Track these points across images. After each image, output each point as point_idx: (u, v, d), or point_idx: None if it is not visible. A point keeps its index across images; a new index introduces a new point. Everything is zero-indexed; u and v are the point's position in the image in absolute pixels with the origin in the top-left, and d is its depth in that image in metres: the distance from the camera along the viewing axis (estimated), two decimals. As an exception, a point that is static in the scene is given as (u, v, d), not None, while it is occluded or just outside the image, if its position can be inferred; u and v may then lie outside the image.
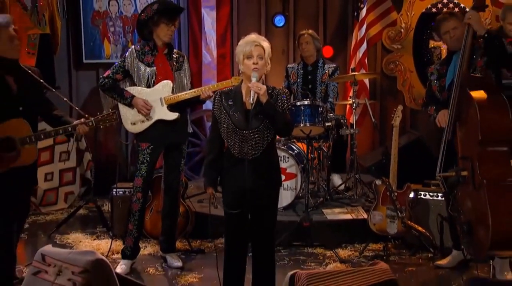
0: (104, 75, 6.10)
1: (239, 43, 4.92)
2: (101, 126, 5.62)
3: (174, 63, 6.08)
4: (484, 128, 5.17)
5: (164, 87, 5.98)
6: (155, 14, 5.92)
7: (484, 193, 5.12)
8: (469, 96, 5.31)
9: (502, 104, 5.28)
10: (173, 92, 5.98)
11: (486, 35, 5.42)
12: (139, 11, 8.42)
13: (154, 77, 5.99)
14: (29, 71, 5.42)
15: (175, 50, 6.19)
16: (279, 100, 4.91)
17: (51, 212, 8.08)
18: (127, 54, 6.07)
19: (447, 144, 5.63)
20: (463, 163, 5.45)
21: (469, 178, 5.34)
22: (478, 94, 5.29)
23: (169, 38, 6.01)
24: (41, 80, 5.50)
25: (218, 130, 4.99)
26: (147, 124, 5.98)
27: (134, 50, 6.05)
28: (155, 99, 5.95)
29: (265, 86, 4.78)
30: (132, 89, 6.00)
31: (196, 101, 6.16)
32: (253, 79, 4.77)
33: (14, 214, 5.46)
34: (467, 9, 8.55)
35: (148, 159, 6.01)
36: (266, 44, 4.89)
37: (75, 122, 5.47)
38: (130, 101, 5.94)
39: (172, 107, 5.97)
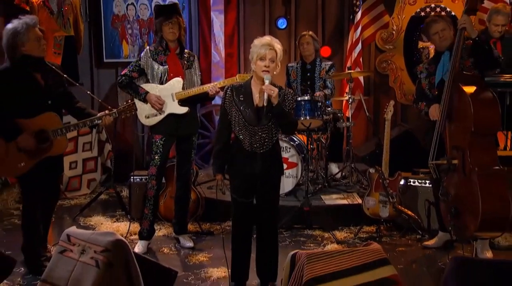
0: (122, 73, 6.12)
1: (254, 43, 4.87)
2: (123, 116, 5.68)
3: (185, 62, 6.09)
4: (477, 121, 5.21)
5: (175, 84, 5.99)
6: (156, 20, 6.01)
7: (475, 180, 5.17)
8: (463, 92, 5.33)
9: (493, 100, 5.33)
10: (183, 88, 6.00)
11: (477, 38, 5.43)
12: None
13: (166, 75, 6.00)
14: (53, 66, 5.47)
15: (186, 50, 6.19)
16: (286, 101, 4.91)
17: (75, 197, 8.12)
18: (142, 54, 6.08)
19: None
20: (452, 152, 5.48)
21: (459, 166, 5.37)
22: (471, 90, 5.32)
23: (172, 36, 5.97)
24: (65, 75, 5.54)
25: (226, 122, 5.00)
26: (159, 117, 6.00)
27: (148, 51, 6.06)
28: (167, 95, 5.97)
29: (277, 89, 4.78)
30: (146, 86, 6.01)
31: (205, 98, 6.16)
32: (266, 82, 4.76)
33: (42, 199, 5.52)
34: (453, 13, 8.62)
35: (161, 149, 6.03)
36: (279, 47, 4.86)
37: (99, 114, 5.52)
38: (144, 97, 5.96)
39: (182, 102, 5.99)
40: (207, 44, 9.28)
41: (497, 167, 5.31)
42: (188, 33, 9.07)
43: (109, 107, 5.61)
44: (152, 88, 5.99)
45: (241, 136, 4.92)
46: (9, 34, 5.21)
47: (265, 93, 4.73)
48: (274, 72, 4.85)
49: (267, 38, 4.87)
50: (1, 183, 7.74)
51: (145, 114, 6.01)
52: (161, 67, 6.00)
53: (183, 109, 5.99)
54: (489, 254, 5.80)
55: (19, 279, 5.37)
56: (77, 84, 5.91)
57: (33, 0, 7.83)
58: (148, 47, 6.13)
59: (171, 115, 5.99)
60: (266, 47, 4.79)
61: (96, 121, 5.52)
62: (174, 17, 5.94)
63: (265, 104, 4.73)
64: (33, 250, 5.49)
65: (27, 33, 5.20)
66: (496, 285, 3.88)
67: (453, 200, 5.45)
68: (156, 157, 6.04)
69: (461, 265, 4.04)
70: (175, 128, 6.03)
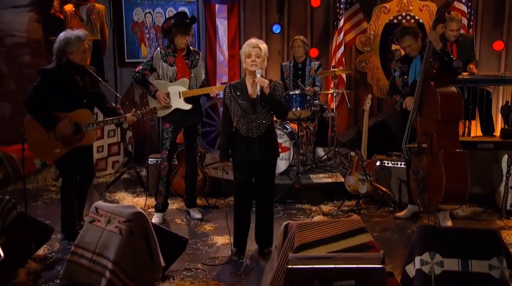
0: (136, 70, 6.10)
1: (242, 46, 4.96)
2: (144, 118, 5.73)
3: (191, 61, 6.05)
4: (443, 111, 5.30)
5: (182, 83, 5.98)
6: (172, 27, 5.91)
7: (440, 160, 5.25)
8: (432, 87, 5.42)
9: (457, 94, 5.42)
10: (189, 87, 6.00)
11: (439, 51, 5.47)
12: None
13: (175, 74, 6.00)
14: (90, 70, 5.51)
15: (192, 49, 6.13)
16: (276, 90, 4.93)
17: (102, 176, 8.12)
18: (154, 55, 6.06)
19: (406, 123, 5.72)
20: (422, 137, 5.55)
21: (427, 149, 5.45)
22: (439, 85, 5.42)
23: (184, 45, 5.96)
24: (99, 78, 5.61)
25: (228, 116, 5.03)
26: (167, 111, 6.01)
27: (159, 52, 6.03)
28: (175, 92, 5.98)
29: (267, 80, 4.81)
30: (158, 83, 6.02)
31: (208, 95, 6.21)
32: (258, 75, 4.78)
33: (78, 179, 5.59)
34: (420, 21, 8.64)
35: (170, 135, 6.05)
36: (262, 45, 4.89)
37: (126, 115, 5.58)
38: (153, 94, 5.97)
39: (188, 99, 6.01)
40: (212, 46, 9.28)
41: (459, 150, 5.38)
42: (196, 37, 9.09)
43: (134, 109, 5.66)
44: (162, 85, 6.00)
45: (239, 125, 4.96)
46: (61, 41, 5.26)
47: (257, 85, 4.77)
48: (262, 67, 4.87)
49: (251, 40, 4.93)
50: (41, 164, 7.79)
51: (156, 107, 6.02)
52: (170, 68, 5.99)
53: (188, 106, 5.99)
54: (449, 223, 5.85)
55: (56, 243, 5.42)
56: (108, 86, 5.96)
57: (66, 10, 7.86)
58: (158, 49, 6.11)
59: (178, 109, 6.01)
60: (249, 46, 4.85)
61: (122, 120, 5.59)
62: (189, 30, 5.96)
63: (258, 94, 4.77)
64: (69, 220, 5.55)
65: (77, 45, 5.26)
66: (453, 247, 3.94)
67: (422, 177, 5.51)
68: (167, 142, 6.06)
69: (426, 232, 4.09)
70: (181, 119, 6.05)
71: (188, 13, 6.43)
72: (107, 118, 5.59)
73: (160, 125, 8.66)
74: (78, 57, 5.30)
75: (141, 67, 6.08)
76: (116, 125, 7.99)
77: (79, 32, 5.34)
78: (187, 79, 5.99)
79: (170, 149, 6.09)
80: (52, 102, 5.25)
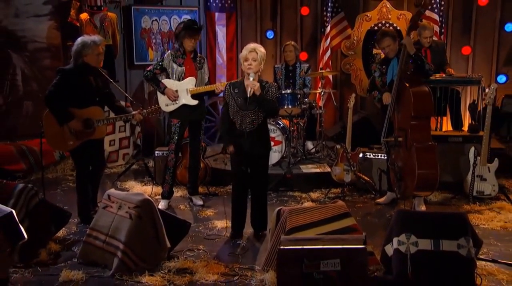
0: (147, 69, 6.12)
1: (242, 50, 4.97)
2: (150, 116, 5.75)
3: (197, 64, 6.07)
4: (416, 108, 5.36)
5: (189, 81, 5.98)
6: (182, 31, 5.94)
7: (414, 152, 5.30)
8: (406, 87, 5.45)
9: (428, 92, 5.47)
10: (195, 85, 6.02)
11: (413, 55, 5.51)
12: (173, 29, 8.48)
13: (183, 74, 6.00)
14: (103, 72, 5.53)
15: (198, 54, 6.18)
16: (270, 91, 4.95)
17: (114, 167, 8.10)
18: (165, 56, 6.07)
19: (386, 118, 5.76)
20: (399, 132, 5.58)
21: (403, 142, 5.50)
22: (413, 85, 5.46)
23: (191, 48, 5.98)
24: (111, 80, 5.63)
25: (227, 109, 5.06)
26: (176, 106, 6.01)
27: (170, 54, 6.05)
28: (183, 90, 5.98)
29: (258, 84, 4.83)
30: (166, 82, 6.02)
31: (212, 93, 6.21)
32: (250, 78, 4.82)
33: (91, 168, 5.60)
34: (398, 28, 8.65)
35: (178, 130, 6.05)
36: (260, 49, 4.89)
37: (133, 112, 5.60)
38: (163, 90, 5.97)
39: (194, 96, 6.02)
40: (213, 50, 9.27)
41: (430, 143, 5.42)
42: (199, 42, 9.08)
43: (141, 107, 5.69)
44: (171, 83, 6.00)
45: (235, 119, 4.99)
46: (79, 45, 5.30)
47: (248, 87, 4.80)
48: (260, 69, 4.89)
49: (250, 44, 4.95)
50: (60, 156, 7.80)
51: (165, 103, 6.02)
52: (179, 68, 5.99)
53: (194, 102, 6.00)
54: (423, 208, 5.88)
55: (74, 227, 5.45)
56: (118, 87, 5.98)
57: (82, 18, 7.86)
58: (169, 51, 6.13)
59: (185, 105, 6.01)
60: (247, 50, 4.87)
61: (129, 118, 5.64)
62: (197, 35, 5.97)
63: (249, 95, 4.82)
64: (84, 205, 5.57)
65: (92, 48, 5.30)
66: (427, 229, 3.97)
67: (399, 168, 5.55)
68: (174, 136, 6.06)
69: (403, 216, 4.13)
70: (188, 115, 6.04)
71: (197, 22, 6.45)
72: (116, 115, 5.62)
73: (165, 121, 8.69)
74: (92, 59, 5.33)
75: (152, 67, 6.09)
76: (124, 122, 8.00)
77: (95, 37, 5.41)
78: (194, 78, 6.00)
79: (177, 143, 6.09)
80: (68, 99, 5.27)
